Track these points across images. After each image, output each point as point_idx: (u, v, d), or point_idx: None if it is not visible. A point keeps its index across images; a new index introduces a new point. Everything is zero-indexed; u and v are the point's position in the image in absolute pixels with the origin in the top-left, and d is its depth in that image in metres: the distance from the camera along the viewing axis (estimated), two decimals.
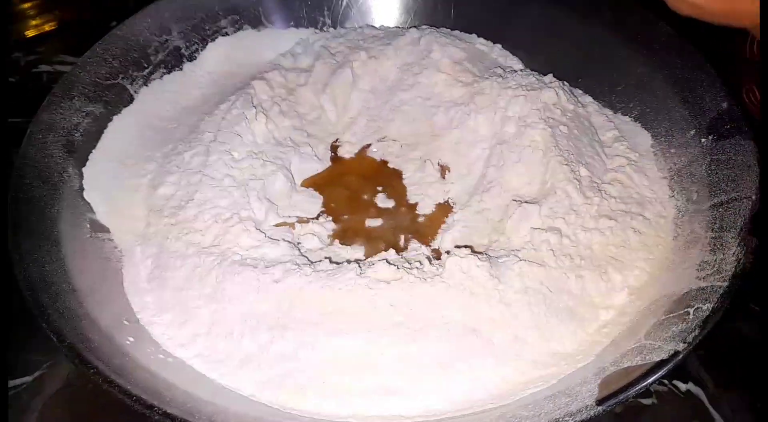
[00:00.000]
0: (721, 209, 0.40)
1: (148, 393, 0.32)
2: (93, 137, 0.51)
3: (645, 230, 0.42)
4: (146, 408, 0.31)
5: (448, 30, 0.60)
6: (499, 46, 0.58)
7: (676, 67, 0.49)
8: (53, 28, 0.71)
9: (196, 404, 0.33)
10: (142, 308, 0.41)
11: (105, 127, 0.52)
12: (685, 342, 0.32)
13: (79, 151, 0.49)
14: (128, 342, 0.38)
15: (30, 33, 0.70)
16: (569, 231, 0.42)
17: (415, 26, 0.61)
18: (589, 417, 0.30)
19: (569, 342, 0.38)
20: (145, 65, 0.56)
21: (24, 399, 0.42)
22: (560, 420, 0.30)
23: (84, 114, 0.50)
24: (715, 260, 0.37)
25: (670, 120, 0.49)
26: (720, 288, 0.35)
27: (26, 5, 0.71)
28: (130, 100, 0.54)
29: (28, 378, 0.43)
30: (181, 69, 0.58)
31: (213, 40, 0.60)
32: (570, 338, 0.38)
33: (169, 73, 0.57)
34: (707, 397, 0.41)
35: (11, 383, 0.43)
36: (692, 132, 0.47)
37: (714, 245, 0.38)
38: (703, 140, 0.46)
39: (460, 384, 0.36)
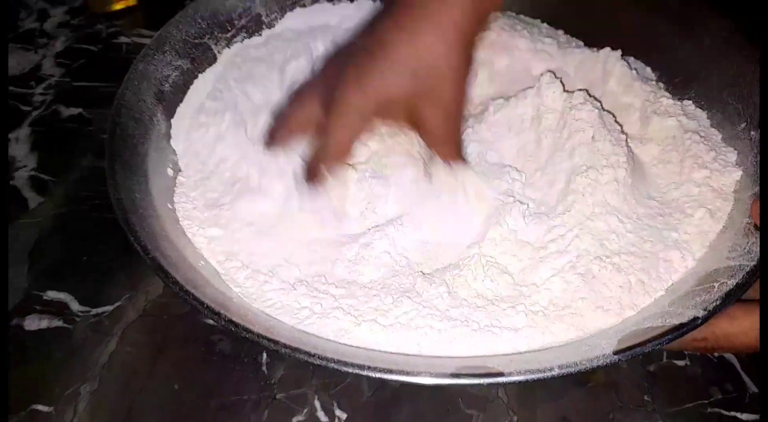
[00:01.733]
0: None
1: (215, 302, 0.37)
2: (180, 89, 0.56)
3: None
4: (213, 314, 0.36)
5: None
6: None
7: (734, 63, 0.51)
8: (134, 3, 0.78)
9: (256, 316, 0.38)
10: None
11: (190, 81, 0.57)
12: (705, 310, 0.34)
13: (168, 100, 0.54)
14: (201, 265, 0.43)
15: (114, 7, 0.77)
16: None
17: None
18: (605, 363, 0.32)
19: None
20: (229, 28, 0.61)
21: (105, 325, 0.48)
22: (578, 363, 0.33)
23: (173, 67, 0.56)
24: (747, 243, 0.39)
25: (722, 112, 0.50)
26: (747, 266, 0.37)
27: None
28: (214, 58, 0.60)
29: (109, 307, 0.50)
30: (260, 35, 0.63)
31: (291, 9, 0.65)
32: None
33: (249, 38, 0.62)
34: (739, 363, 0.43)
35: (94, 311, 0.49)
36: (743, 125, 0.48)
37: (748, 230, 0.40)
38: (752, 133, 0.47)
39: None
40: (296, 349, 0.34)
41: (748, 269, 0.36)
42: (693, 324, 0.34)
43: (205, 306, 0.36)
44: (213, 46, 0.60)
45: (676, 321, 0.35)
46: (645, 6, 0.57)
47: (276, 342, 0.34)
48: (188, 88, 0.57)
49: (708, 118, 0.51)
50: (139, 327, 0.48)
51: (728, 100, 0.50)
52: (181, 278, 0.38)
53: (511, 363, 0.34)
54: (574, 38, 0.59)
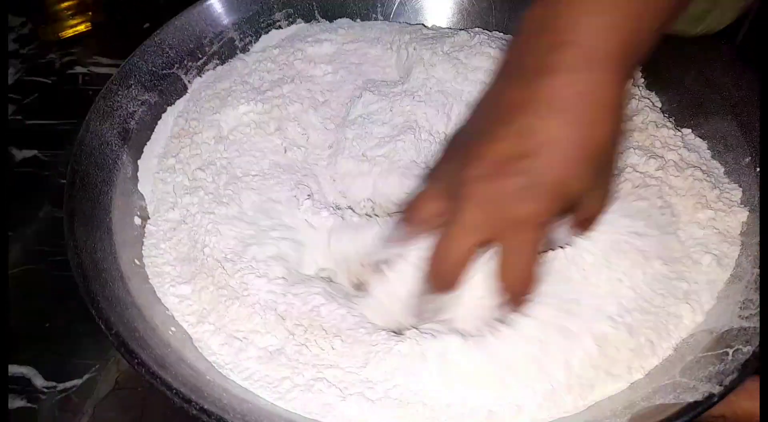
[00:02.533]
0: None
1: (186, 386, 0.34)
2: (147, 126, 0.52)
3: None
4: (184, 402, 0.33)
5: (501, 34, 0.59)
6: None
7: (736, 89, 0.48)
8: (88, 29, 0.73)
9: (231, 401, 0.34)
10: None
11: (158, 116, 0.53)
12: (721, 385, 0.32)
13: (133, 139, 0.51)
14: (171, 333, 0.39)
15: (66, 34, 0.72)
16: None
17: (464, 29, 0.60)
18: None
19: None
20: (200, 56, 0.57)
21: (75, 402, 0.44)
22: None
23: (139, 102, 0.52)
24: (758, 299, 0.37)
25: (724, 143, 0.48)
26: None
27: (63, 5, 0.72)
28: (184, 89, 0.56)
29: (77, 381, 0.46)
30: (234, 59, 0.59)
31: (266, 32, 0.61)
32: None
33: (222, 64, 0.58)
34: None
35: (61, 386, 0.45)
36: (748, 159, 0.45)
37: (759, 284, 0.38)
38: (758, 169, 0.44)
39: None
40: None
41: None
42: (709, 402, 0.31)
43: (174, 391, 0.33)
44: (183, 76, 0.56)
45: (690, 398, 0.32)
46: None
47: None
48: (156, 123, 0.53)
49: (708, 149, 0.49)
50: (112, 403, 0.44)
51: (730, 130, 0.48)
52: (147, 357, 0.35)
53: None
54: None
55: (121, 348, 0.35)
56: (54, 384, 0.45)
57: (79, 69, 0.69)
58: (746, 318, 0.36)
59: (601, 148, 0.31)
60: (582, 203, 0.34)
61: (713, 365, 0.34)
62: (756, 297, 0.37)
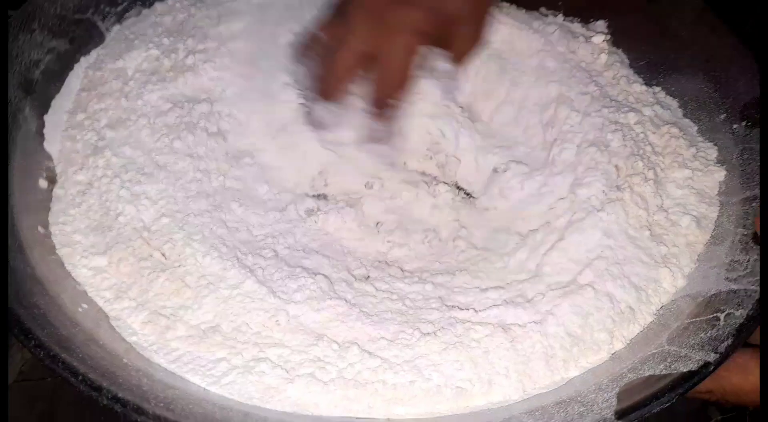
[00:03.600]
0: (754, 203, 0.37)
1: (96, 371, 0.28)
2: (55, 77, 0.45)
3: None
4: (92, 390, 0.27)
5: None
6: None
7: (707, 45, 0.45)
8: None
9: (154, 387, 0.29)
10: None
11: (69, 66, 0.46)
12: (716, 352, 0.28)
13: (39, 91, 0.43)
14: (81, 310, 0.33)
15: None
16: None
17: None
18: None
19: None
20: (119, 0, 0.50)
21: None
22: None
23: (46, 50, 0.44)
24: (748, 260, 0.34)
25: (696, 100, 0.45)
26: (755, 292, 0.31)
27: None
28: (101, 38, 0.48)
29: None
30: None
31: None
32: None
33: (148, 8, 0.51)
34: None
35: None
36: (723, 116, 0.43)
37: (746, 243, 0.35)
38: (735, 126, 0.42)
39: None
40: None
41: (757, 296, 0.31)
42: (705, 371, 0.28)
43: (81, 378, 0.27)
44: (99, 23, 0.49)
45: (683, 368, 0.28)
46: None
47: None
48: (66, 75, 0.45)
49: (680, 107, 0.46)
50: (16, 396, 0.37)
51: (703, 87, 0.45)
52: (47, 338, 0.28)
53: None
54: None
55: (15, 328, 0.29)
56: None
57: None
58: (734, 280, 0.33)
59: None
60: (456, 37, 0.38)
61: (704, 331, 0.30)
62: (743, 258, 0.34)
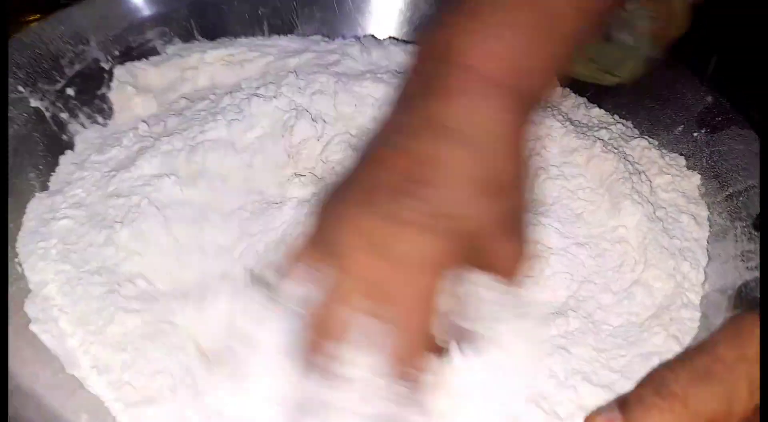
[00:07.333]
0: (741, 197, 0.39)
1: None
2: None
3: None
4: None
5: None
6: None
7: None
8: None
9: None
10: None
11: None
12: None
13: None
14: None
15: None
16: None
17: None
18: None
19: None
20: (58, 78, 0.46)
21: None
22: None
23: None
24: (756, 249, 0.35)
25: (650, 120, 0.48)
26: None
27: None
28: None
29: None
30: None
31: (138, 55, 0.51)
32: None
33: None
34: None
35: None
36: (680, 128, 0.46)
37: (750, 234, 0.36)
38: (695, 134, 0.45)
39: None
40: None
41: None
42: None
43: None
44: (38, 103, 0.45)
45: None
46: None
47: None
48: None
49: (635, 127, 0.48)
50: None
51: (652, 106, 0.48)
52: None
53: None
54: None
55: None
56: None
57: None
58: (755, 268, 0.34)
59: (496, 180, 0.26)
60: (492, 253, 0.27)
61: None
62: (753, 247, 0.36)
